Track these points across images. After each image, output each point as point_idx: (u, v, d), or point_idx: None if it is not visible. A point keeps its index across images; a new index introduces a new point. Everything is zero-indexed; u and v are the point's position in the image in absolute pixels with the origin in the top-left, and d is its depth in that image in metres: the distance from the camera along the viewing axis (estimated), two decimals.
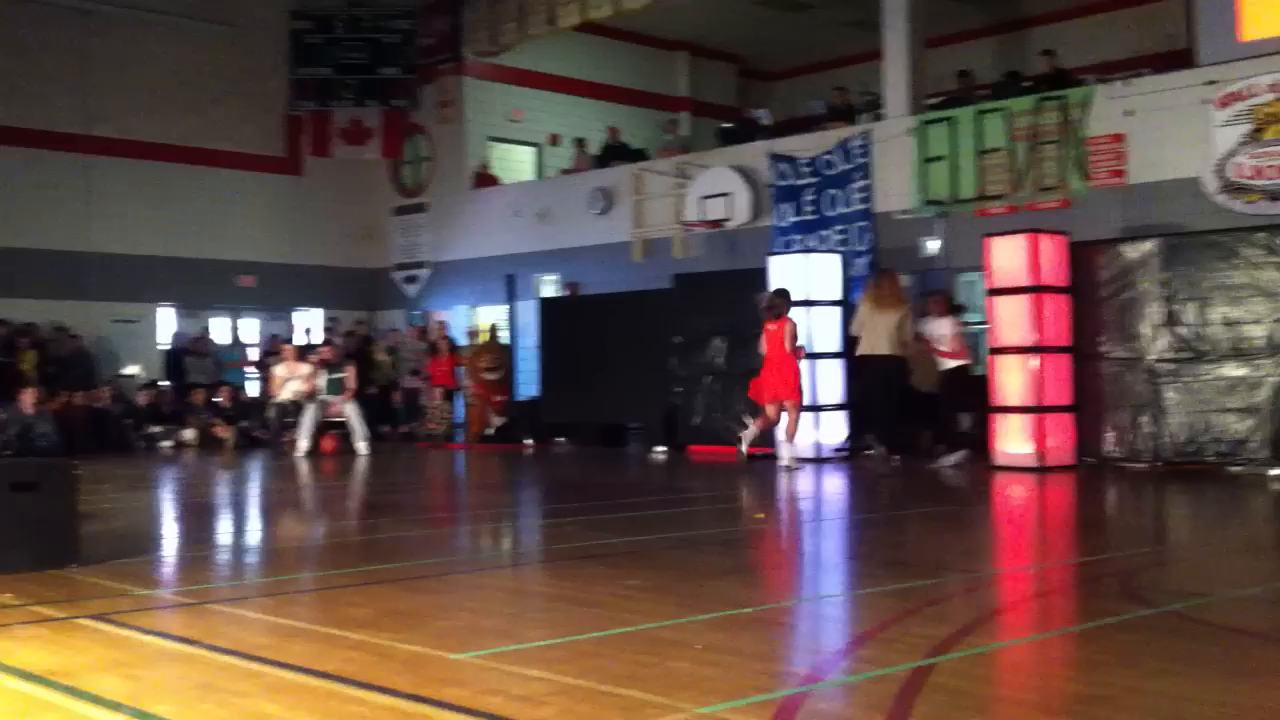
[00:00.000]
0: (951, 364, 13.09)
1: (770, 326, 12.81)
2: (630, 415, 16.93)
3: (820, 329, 14.07)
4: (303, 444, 16.14)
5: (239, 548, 8.17)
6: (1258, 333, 11.72)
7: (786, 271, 14.21)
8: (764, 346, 12.87)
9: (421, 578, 6.53)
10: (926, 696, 3.85)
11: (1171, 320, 12.20)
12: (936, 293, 13.94)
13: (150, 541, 8.23)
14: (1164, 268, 12.25)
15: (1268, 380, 11.47)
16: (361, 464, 15.05)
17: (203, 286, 21.38)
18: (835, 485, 11.80)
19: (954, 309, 13.72)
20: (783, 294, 13.02)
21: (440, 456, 16.63)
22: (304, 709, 3.84)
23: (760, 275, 14.50)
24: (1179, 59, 15.39)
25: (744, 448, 13.05)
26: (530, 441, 17.68)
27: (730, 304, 15.10)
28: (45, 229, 19.70)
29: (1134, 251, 12.50)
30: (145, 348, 20.81)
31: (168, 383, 19.52)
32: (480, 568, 7.16)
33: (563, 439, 17.76)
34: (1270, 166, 13.25)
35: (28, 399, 15.87)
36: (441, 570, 6.81)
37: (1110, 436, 12.55)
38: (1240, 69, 13.59)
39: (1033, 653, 4.75)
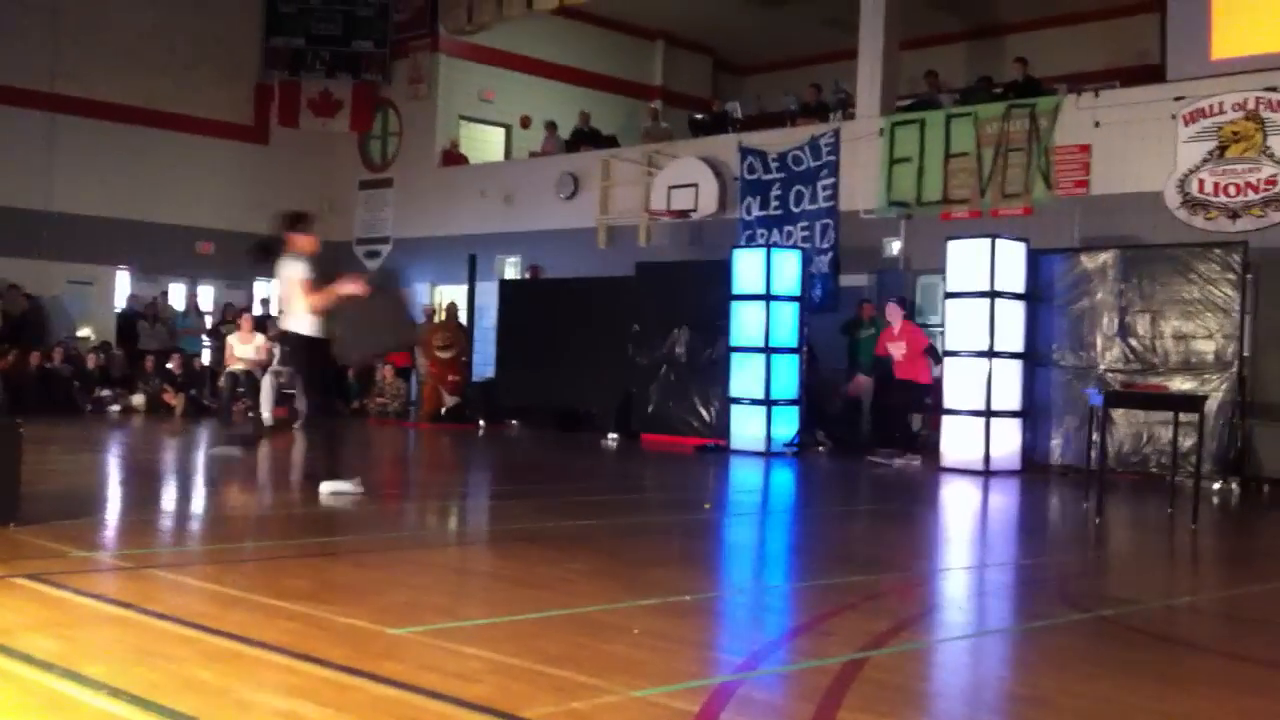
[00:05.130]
0: None
1: None
2: (585, 401, 16.91)
3: (778, 324, 14.12)
4: (266, 415, 15.94)
5: (182, 514, 8.09)
6: (1208, 347, 11.87)
7: (749, 265, 14.26)
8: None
9: (365, 552, 6.50)
10: (858, 689, 3.88)
11: (1124, 331, 12.34)
12: None
13: (93, 504, 8.13)
14: (1120, 279, 12.39)
15: (1214, 395, 11.61)
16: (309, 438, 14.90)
17: (161, 251, 21.13)
18: (784, 479, 11.85)
19: None
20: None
21: (391, 434, 16.54)
22: (238, 677, 3.82)
23: (724, 267, 14.53)
24: (1150, 74, 15.52)
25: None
26: (483, 423, 17.63)
27: (692, 294, 15.10)
28: (4, 186, 19.36)
29: (1091, 261, 12.63)
30: (99, 310, 20.55)
31: (118, 348, 19.28)
32: (424, 545, 7.14)
33: (516, 422, 17.72)
34: (1231, 184, 13.40)
35: None
36: (385, 546, 6.78)
37: (1056, 443, 12.71)
38: (1208, 86, 13.72)
39: (967, 651, 4.80)
